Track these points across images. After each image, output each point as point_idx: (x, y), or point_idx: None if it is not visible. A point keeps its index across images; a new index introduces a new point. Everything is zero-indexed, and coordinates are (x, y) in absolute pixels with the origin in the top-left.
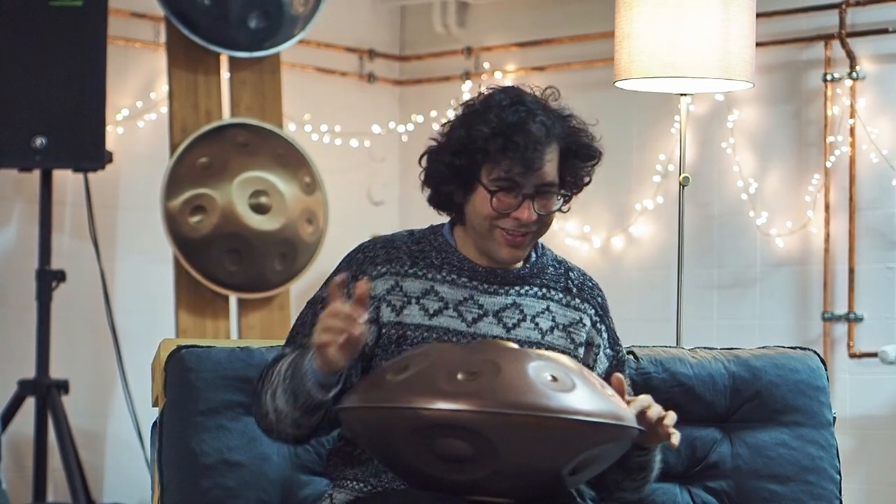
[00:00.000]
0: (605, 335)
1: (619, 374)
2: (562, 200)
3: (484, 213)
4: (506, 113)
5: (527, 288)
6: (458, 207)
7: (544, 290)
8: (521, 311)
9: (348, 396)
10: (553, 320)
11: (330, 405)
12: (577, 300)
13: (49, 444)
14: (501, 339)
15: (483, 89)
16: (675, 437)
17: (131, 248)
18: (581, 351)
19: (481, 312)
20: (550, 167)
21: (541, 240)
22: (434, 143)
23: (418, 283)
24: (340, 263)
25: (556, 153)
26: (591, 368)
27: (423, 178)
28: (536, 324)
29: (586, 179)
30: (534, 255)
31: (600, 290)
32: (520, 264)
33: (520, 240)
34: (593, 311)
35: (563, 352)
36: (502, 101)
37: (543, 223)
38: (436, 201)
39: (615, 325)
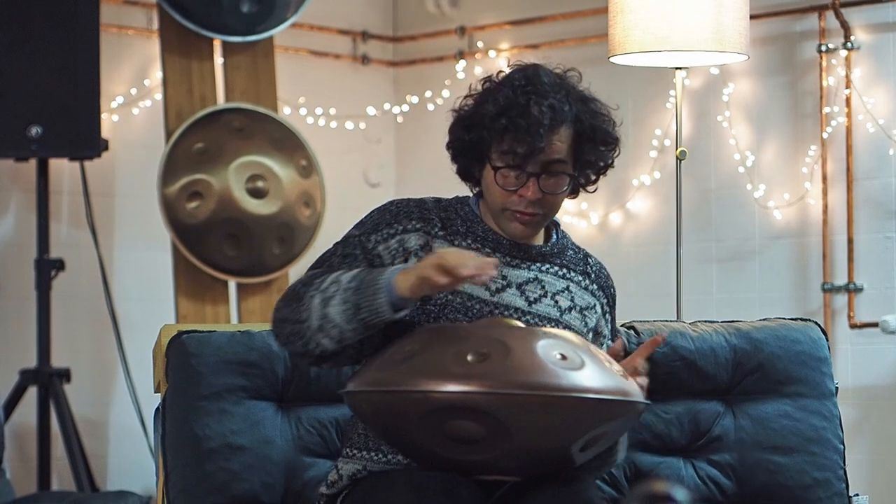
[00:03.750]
0: (609, 326)
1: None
2: (569, 182)
3: (493, 191)
4: (515, 93)
5: (548, 266)
6: (478, 181)
7: (564, 271)
8: (543, 287)
9: (355, 380)
10: (572, 300)
11: (383, 327)
12: (595, 286)
13: (52, 433)
14: (524, 312)
15: (507, 66)
16: None
17: (129, 235)
18: (591, 336)
19: (505, 283)
20: (559, 148)
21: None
22: (455, 114)
23: (446, 246)
24: (372, 214)
25: (567, 135)
26: None
27: (447, 148)
28: (556, 301)
29: (603, 163)
30: (554, 236)
31: (613, 282)
32: (541, 241)
33: (527, 218)
34: (605, 300)
35: (577, 333)
36: (515, 81)
37: (551, 203)
38: (460, 173)
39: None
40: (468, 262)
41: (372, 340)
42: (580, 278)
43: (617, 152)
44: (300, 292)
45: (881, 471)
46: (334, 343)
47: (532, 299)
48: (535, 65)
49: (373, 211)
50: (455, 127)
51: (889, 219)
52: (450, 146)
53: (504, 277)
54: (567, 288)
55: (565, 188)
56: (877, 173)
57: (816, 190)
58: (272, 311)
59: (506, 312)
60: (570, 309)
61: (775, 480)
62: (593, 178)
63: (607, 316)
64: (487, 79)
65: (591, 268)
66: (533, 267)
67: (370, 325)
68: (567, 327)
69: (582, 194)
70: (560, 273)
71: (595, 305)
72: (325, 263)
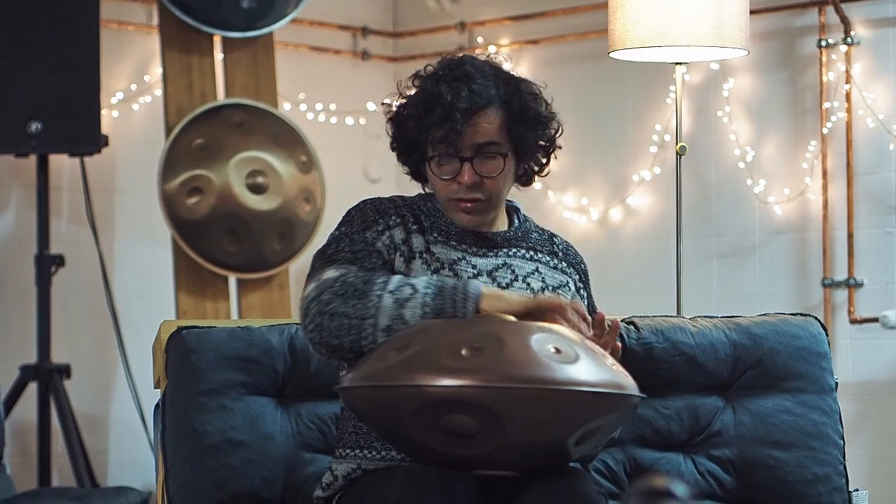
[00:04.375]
0: (586, 301)
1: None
2: (505, 163)
3: (434, 184)
4: (434, 83)
5: (514, 250)
6: (426, 178)
7: (531, 253)
8: (513, 272)
9: (349, 375)
10: (543, 281)
11: None
12: (564, 264)
13: (52, 429)
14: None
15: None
16: None
17: (129, 231)
18: None
19: (475, 272)
20: (487, 130)
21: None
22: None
23: (419, 239)
24: (352, 213)
25: (496, 117)
26: None
27: (392, 150)
28: (528, 284)
29: (542, 143)
30: (516, 220)
31: (582, 258)
32: (505, 227)
33: (470, 206)
34: (577, 276)
35: None
36: (439, 72)
37: (491, 188)
38: (410, 173)
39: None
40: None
41: None
42: (548, 258)
43: (559, 131)
44: (363, 289)
45: (881, 466)
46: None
47: (503, 285)
48: (460, 56)
49: (351, 210)
50: (390, 128)
51: (889, 214)
52: (393, 148)
53: (474, 266)
54: (536, 269)
55: (502, 170)
56: (877, 168)
57: (816, 185)
58: (313, 303)
59: None
60: (542, 290)
61: (775, 476)
62: (543, 160)
63: (582, 292)
64: (416, 75)
65: (558, 247)
66: (500, 253)
67: None
68: None
69: (582, 190)
70: (527, 256)
71: (567, 283)
72: (336, 260)
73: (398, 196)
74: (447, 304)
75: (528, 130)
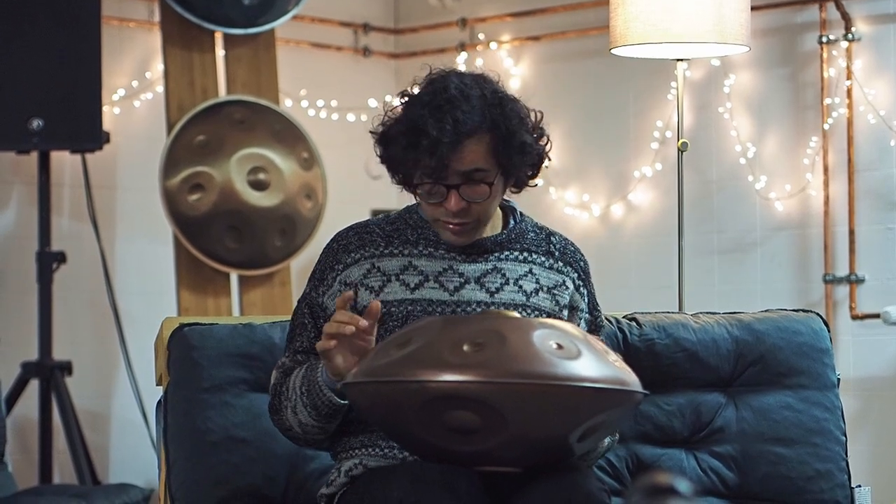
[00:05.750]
0: (586, 299)
1: None
2: (489, 189)
3: (422, 204)
4: (417, 111)
5: (506, 253)
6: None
7: (525, 254)
8: (503, 276)
9: (352, 371)
10: (537, 282)
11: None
12: (560, 263)
13: (54, 426)
14: (487, 304)
15: (427, 75)
16: None
17: (131, 228)
18: (565, 313)
19: (462, 280)
20: (474, 158)
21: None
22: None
23: (395, 261)
24: (320, 259)
25: (484, 142)
26: None
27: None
28: (520, 286)
29: (531, 159)
30: (512, 221)
31: (582, 255)
32: (497, 231)
33: (458, 228)
34: (576, 274)
35: (549, 313)
36: (424, 97)
37: (478, 211)
38: (399, 183)
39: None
40: (339, 318)
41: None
42: (543, 259)
43: (549, 146)
44: (275, 405)
45: (883, 462)
46: (323, 434)
47: (493, 289)
48: (446, 75)
49: (321, 254)
50: (376, 145)
51: (890, 210)
52: (380, 161)
53: (461, 275)
54: (530, 271)
55: (489, 195)
56: (878, 164)
57: (818, 181)
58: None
59: (468, 308)
60: (536, 291)
61: (777, 472)
62: (530, 172)
63: (581, 290)
64: (403, 93)
65: (555, 246)
66: (491, 258)
67: (335, 414)
68: (536, 309)
69: (583, 187)
70: (521, 258)
71: (565, 282)
72: (290, 339)
73: (382, 216)
74: (316, 399)
75: (515, 154)
